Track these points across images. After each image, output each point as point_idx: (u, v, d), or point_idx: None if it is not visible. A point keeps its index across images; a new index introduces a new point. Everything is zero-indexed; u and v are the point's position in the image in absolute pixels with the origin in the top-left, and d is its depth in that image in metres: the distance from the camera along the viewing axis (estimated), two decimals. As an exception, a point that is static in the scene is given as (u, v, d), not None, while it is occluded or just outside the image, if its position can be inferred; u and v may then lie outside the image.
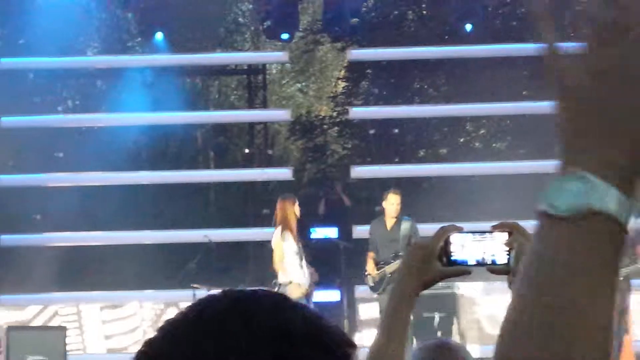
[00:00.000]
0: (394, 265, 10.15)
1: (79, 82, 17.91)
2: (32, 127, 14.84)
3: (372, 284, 10.54)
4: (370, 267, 10.51)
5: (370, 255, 10.61)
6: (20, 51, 13.89)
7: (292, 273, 10.09)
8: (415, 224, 10.48)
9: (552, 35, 1.03)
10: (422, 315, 10.50)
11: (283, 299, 1.14)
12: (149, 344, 1.12)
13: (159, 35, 13.98)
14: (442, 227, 2.00)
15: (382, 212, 10.83)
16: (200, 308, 1.12)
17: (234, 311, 1.10)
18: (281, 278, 10.13)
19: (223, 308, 1.11)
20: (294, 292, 9.61)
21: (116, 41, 18.05)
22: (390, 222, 10.54)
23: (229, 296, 1.14)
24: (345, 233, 13.30)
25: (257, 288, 1.19)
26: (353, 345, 1.11)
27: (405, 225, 10.40)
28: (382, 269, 10.35)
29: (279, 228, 10.19)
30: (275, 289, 9.84)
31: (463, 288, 12.16)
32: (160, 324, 1.13)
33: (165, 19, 13.79)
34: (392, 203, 10.52)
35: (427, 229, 12.30)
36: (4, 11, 13.36)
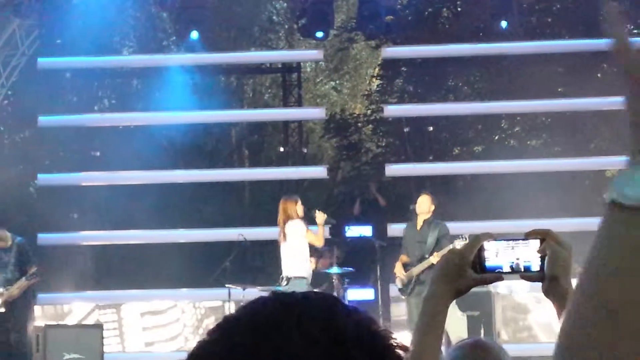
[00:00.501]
0: (420, 267, 10.10)
1: (115, 81, 18.05)
2: (69, 126, 14.97)
3: (400, 286, 10.49)
4: (398, 270, 10.43)
5: (402, 257, 10.51)
6: (58, 51, 14.01)
7: (303, 267, 10.04)
8: (445, 227, 10.34)
9: (622, 29, 1.03)
10: (456, 313, 10.44)
11: (335, 302, 1.15)
12: (201, 346, 1.12)
13: (194, 34, 14.04)
14: (476, 235, 2.01)
15: (415, 214, 10.74)
16: (252, 312, 1.13)
17: (288, 315, 1.11)
18: (290, 272, 10.01)
19: (276, 312, 1.12)
20: (302, 288, 9.55)
21: (152, 40, 18.16)
22: (420, 223, 10.42)
23: (280, 300, 1.14)
24: (379, 231, 13.30)
25: (308, 291, 1.19)
26: (404, 348, 1.13)
27: (434, 229, 10.29)
28: (410, 271, 10.30)
29: (298, 222, 10.08)
30: (284, 283, 9.82)
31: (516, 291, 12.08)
32: (203, 327, 1.13)
33: (201, 18, 13.85)
34: (418, 203, 10.42)
35: (462, 227, 12.28)
36: (41, 11, 13.49)
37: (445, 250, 9.79)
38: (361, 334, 1.10)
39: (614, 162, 14.72)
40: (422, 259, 10.16)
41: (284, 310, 1.12)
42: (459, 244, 9.70)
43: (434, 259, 9.92)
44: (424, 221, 10.39)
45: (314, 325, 1.09)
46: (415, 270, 10.20)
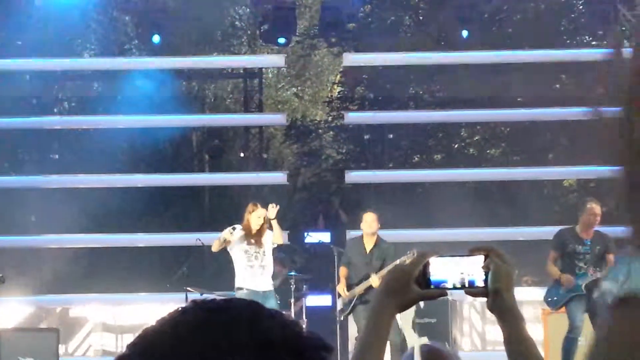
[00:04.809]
0: (363, 286, 10.03)
1: (76, 84, 17.89)
2: (28, 129, 14.85)
3: (341, 306, 10.36)
4: (341, 288, 10.29)
5: (342, 272, 10.35)
6: (18, 52, 13.90)
7: (237, 278, 10.04)
8: (392, 249, 10.23)
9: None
10: (415, 320, 10.44)
11: (258, 307, 1.15)
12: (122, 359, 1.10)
13: (156, 38, 13.99)
14: (420, 252, 2.04)
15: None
16: (174, 321, 1.11)
17: (212, 322, 1.10)
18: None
19: (200, 319, 1.11)
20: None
21: (113, 43, 18.05)
22: (369, 244, 10.27)
23: (203, 307, 1.13)
24: (338, 238, 13.32)
25: (229, 297, 1.19)
26: (329, 349, 1.14)
27: (382, 252, 10.18)
28: (352, 290, 10.20)
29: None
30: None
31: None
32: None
33: (163, 22, 13.82)
34: (367, 221, 10.24)
35: (421, 235, 12.37)
36: (1, 13, 13.38)
37: (387, 269, 9.78)
38: (287, 336, 1.11)
39: (572, 172, 14.89)
40: (366, 277, 10.06)
41: (208, 316, 1.11)
42: (408, 259, 9.70)
43: (374, 281, 9.80)
44: (374, 244, 10.21)
45: (240, 330, 1.09)
46: (358, 289, 10.09)
